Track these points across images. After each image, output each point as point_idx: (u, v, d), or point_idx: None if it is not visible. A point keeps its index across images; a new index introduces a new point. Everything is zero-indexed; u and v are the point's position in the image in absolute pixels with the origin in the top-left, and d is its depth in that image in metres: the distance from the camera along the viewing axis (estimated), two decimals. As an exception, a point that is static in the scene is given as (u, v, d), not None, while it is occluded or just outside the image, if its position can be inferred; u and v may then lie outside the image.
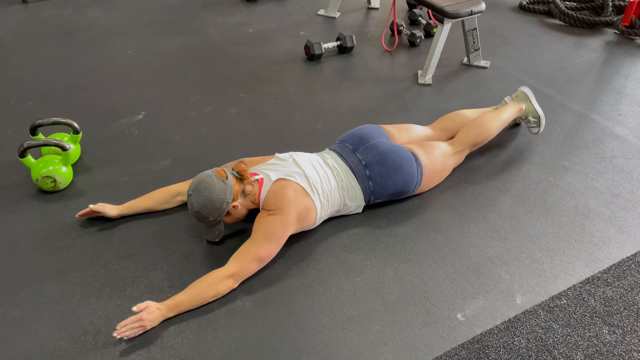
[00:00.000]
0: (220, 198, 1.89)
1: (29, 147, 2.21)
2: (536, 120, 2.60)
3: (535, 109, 2.59)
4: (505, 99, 2.70)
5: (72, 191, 2.32)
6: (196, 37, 3.61)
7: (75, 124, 2.38)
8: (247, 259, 1.86)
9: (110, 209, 2.13)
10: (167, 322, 1.78)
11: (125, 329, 1.69)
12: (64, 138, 2.40)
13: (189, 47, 3.49)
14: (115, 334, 1.67)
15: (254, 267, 1.89)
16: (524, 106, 2.61)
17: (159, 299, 1.84)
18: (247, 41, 3.59)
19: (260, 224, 1.93)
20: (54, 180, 2.25)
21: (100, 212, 2.12)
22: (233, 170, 2.02)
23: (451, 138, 2.50)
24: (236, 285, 1.86)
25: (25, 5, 4.00)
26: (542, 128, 2.62)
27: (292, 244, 2.07)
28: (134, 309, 1.72)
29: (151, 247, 2.05)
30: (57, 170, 2.24)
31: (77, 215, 2.13)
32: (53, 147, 2.31)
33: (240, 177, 2.00)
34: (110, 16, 3.87)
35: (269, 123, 2.79)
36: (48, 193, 2.30)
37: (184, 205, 2.23)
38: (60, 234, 2.10)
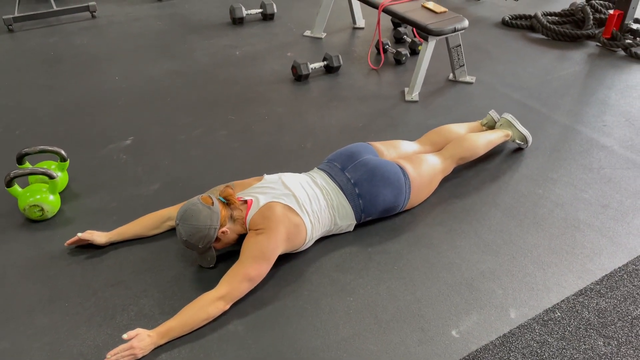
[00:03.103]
0: (207, 225, 1.88)
1: (15, 177, 2.19)
2: (523, 142, 2.70)
3: (520, 133, 2.68)
4: (490, 112, 2.73)
5: (60, 219, 2.29)
6: (183, 61, 3.63)
7: (63, 152, 2.37)
8: (236, 280, 1.84)
9: (99, 237, 2.11)
10: (158, 349, 1.74)
11: (115, 357, 1.66)
12: (51, 166, 2.39)
13: (176, 71, 3.51)
14: None
15: (245, 288, 1.86)
16: (509, 132, 2.67)
17: (150, 326, 1.81)
18: (234, 63, 3.61)
19: (249, 244, 1.91)
20: (42, 209, 2.22)
21: (88, 240, 2.10)
22: (219, 195, 2.01)
23: (439, 150, 2.53)
24: (227, 306, 1.83)
25: (11, 34, 4.00)
26: (529, 144, 2.72)
27: (284, 265, 2.05)
28: (124, 336, 1.69)
29: (141, 273, 2.03)
30: (45, 198, 2.22)
31: (65, 244, 2.11)
32: (40, 176, 2.29)
33: (227, 202, 1.99)
34: (97, 43, 3.88)
35: (258, 144, 2.80)
36: (36, 222, 2.27)
37: (173, 230, 2.21)
38: (49, 263, 2.08)
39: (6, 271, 2.04)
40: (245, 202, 2.02)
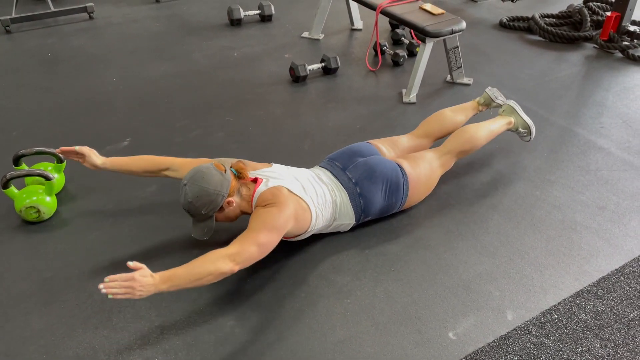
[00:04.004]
0: (217, 191, 1.87)
1: (12, 178, 2.19)
2: (526, 130, 2.59)
3: (524, 120, 2.58)
4: (487, 90, 2.68)
5: (57, 221, 2.29)
6: (181, 63, 3.63)
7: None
8: (247, 242, 1.78)
9: (95, 157, 2.12)
10: (154, 352, 1.74)
11: (114, 284, 1.52)
12: (47, 167, 2.38)
13: (174, 72, 3.50)
14: (101, 287, 1.51)
15: (253, 252, 1.78)
16: (512, 119, 2.58)
17: (146, 328, 1.81)
18: (232, 65, 3.61)
19: (259, 214, 1.87)
20: (38, 211, 2.22)
21: (83, 155, 2.10)
22: (232, 167, 2.00)
23: (436, 139, 2.52)
24: (235, 268, 1.72)
25: (9, 35, 4.00)
26: (533, 136, 2.60)
27: (281, 267, 2.05)
28: (129, 263, 1.57)
29: (138, 275, 2.02)
30: (41, 200, 2.22)
31: (57, 150, 2.13)
32: (37, 177, 2.28)
33: (239, 176, 1.99)
34: (94, 44, 3.88)
35: (256, 146, 2.79)
36: (32, 223, 2.27)
37: (170, 233, 2.21)
38: (45, 265, 2.07)
39: (2, 273, 2.04)
40: (255, 180, 2.02)
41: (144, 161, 2.15)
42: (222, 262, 1.70)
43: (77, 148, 2.08)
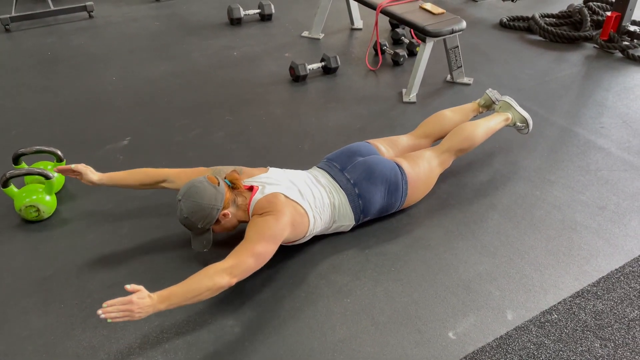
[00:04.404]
0: (211, 204, 1.87)
1: (11, 177, 2.18)
2: (524, 124, 2.60)
3: (521, 114, 2.59)
4: (487, 91, 2.68)
5: (56, 220, 2.28)
6: (181, 62, 3.62)
7: (59, 152, 2.37)
8: (243, 254, 1.78)
9: (92, 174, 2.10)
10: (154, 351, 1.74)
11: (112, 309, 1.53)
12: (47, 166, 2.38)
13: (174, 72, 3.50)
14: (100, 312, 1.51)
15: (250, 263, 1.79)
16: (509, 115, 2.58)
17: (146, 328, 1.81)
18: (232, 64, 3.60)
19: (256, 223, 1.88)
20: (38, 210, 2.22)
21: (81, 173, 2.09)
22: (225, 178, 2.00)
23: (436, 140, 2.52)
24: (233, 281, 1.74)
25: (8, 34, 3.99)
26: (530, 128, 2.61)
27: (281, 267, 2.05)
28: (127, 287, 1.57)
29: (137, 274, 2.02)
30: (41, 199, 2.22)
31: (55, 170, 2.12)
32: (36, 176, 2.28)
33: (233, 186, 1.98)
34: (94, 43, 3.87)
35: (256, 145, 2.79)
36: (31, 222, 2.26)
37: (170, 232, 2.20)
38: (44, 264, 2.07)
39: (1, 272, 2.03)
40: (251, 188, 2.01)
41: (140, 175, 2.16)
42: (219, 276, 1.71)
43: (73, 166, 2.09)
